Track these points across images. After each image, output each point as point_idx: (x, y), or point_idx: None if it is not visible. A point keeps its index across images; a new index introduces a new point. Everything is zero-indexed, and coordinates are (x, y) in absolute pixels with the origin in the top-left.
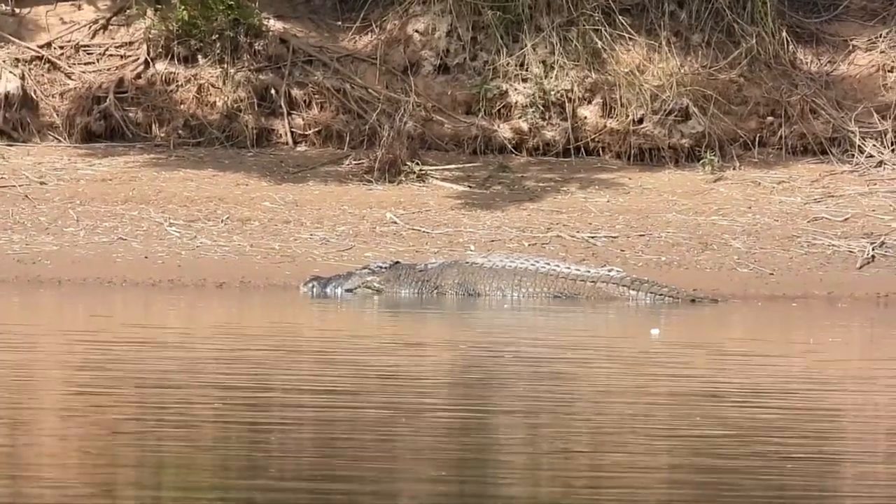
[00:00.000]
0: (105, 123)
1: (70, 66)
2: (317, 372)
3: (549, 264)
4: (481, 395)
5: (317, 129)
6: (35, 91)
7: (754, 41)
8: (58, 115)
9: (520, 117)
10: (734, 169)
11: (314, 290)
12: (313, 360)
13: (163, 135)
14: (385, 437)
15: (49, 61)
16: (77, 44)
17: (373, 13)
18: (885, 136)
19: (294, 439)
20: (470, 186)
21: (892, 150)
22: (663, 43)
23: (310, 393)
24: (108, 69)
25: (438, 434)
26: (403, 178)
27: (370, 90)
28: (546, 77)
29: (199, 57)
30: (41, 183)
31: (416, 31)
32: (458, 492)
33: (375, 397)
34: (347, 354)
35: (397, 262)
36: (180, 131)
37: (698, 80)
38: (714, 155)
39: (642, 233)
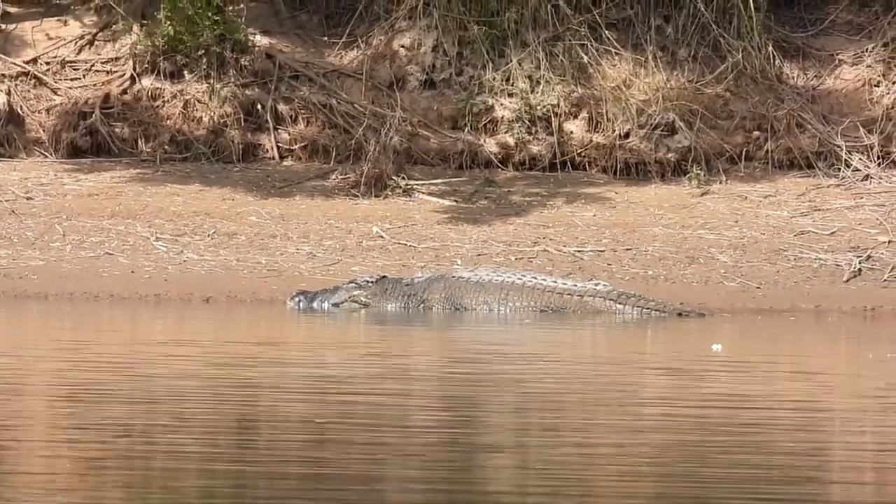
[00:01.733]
0: (91, 139)
1: (56, 82)
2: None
3: (535, 278)
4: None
5: (303, 144)
6: (21, 107)
7: (740, 56)
8: (44, 130)
9: (506, 132)
10: (721, 183)
11: (301, 304)
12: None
13: (149, 150)
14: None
15: (35, 77)
16: (63, 59)
17: (359, 28)
18: (872, 150)
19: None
20: (456, 201)
21: (879, 164)
22: (649, 57)
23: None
24: (95, 85)
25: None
26: (390, 193)
27: (356, 105)
28: (532, 92)
29: (186, 72)
30: (28, 198)
31: (402, 46)
32: None
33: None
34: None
35: (384, 277)
36: (166, 146)
37: (684, 94)
38: (700, 169)
39: (629, 247)
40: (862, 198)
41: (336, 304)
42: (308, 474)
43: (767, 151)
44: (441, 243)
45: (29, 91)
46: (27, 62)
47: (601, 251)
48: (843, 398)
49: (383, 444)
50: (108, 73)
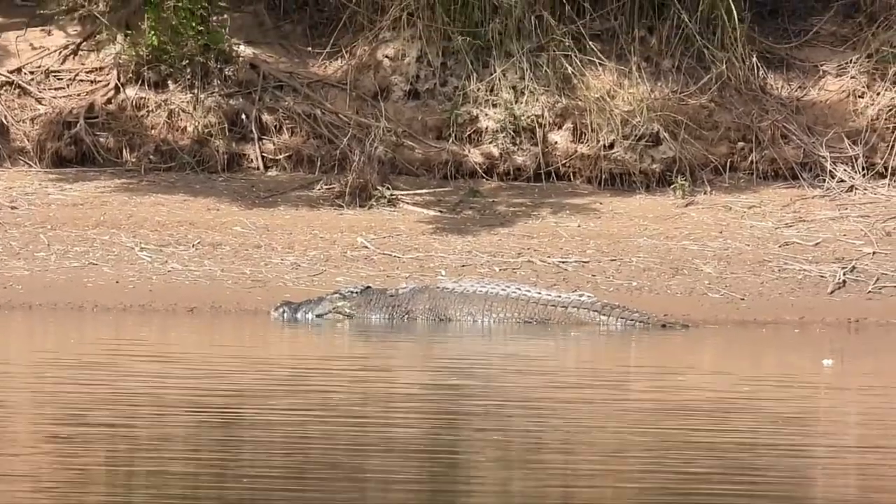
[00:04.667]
0: (76, 148)
1: (40, 92)
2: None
3: (519, 289)
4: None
5: (287, 154)
6: (5, 116)
7: (724, 67)
8: (28, 140)
9: (490, 142)
10: (705, 194)
11: (285, 315)
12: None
13: (134, 160)
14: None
15: (19, 87)
16: (47, 69)
17: (343, 39)
18: (856, 161)
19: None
20: (441, 211)
21: (863, 175)
22: (633, 68)
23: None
24: (79, 94)
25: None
26: (374, 203)
27: (340, 115)
28: (516, 102)
29: (170, 82)
30: (12, 208)
31: (387, 56)
32: None
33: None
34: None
35: (368, 287)
36: (151, 156)
37: (669, 105)
38: (685, 180)
39: (613, 258)
40: (846, 209)
41: (320, 315)
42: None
43: (752, 162)
44: (426, 254)
45: (13, 101)
46: (11, 72)
47: (585, 262)
48: None
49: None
50: (92, 82)
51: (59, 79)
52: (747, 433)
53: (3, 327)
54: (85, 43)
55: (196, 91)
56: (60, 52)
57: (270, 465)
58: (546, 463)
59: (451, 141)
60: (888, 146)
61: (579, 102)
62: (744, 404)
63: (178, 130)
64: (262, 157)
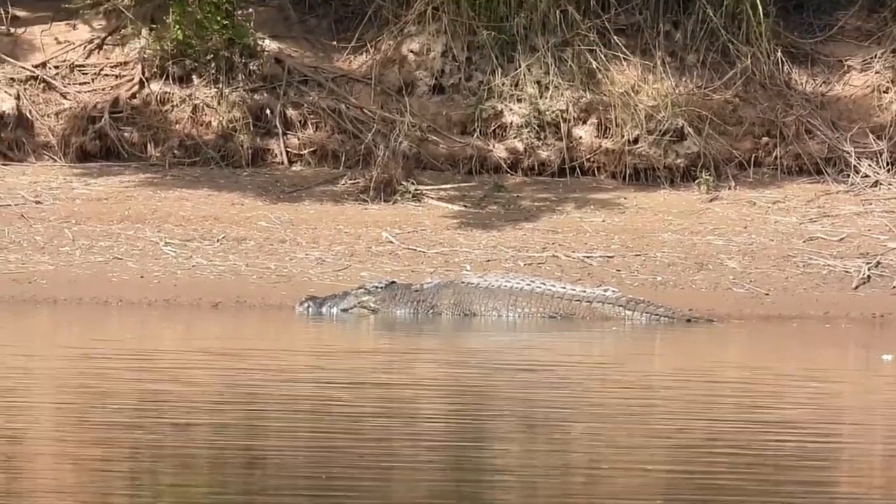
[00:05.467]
0: (100, 143)
1: (65, 86)
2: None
3: (544, 284)
4: None
5: (312, 149)
6: (30, 111)
7: (749, 62)
8: (53, 134)
9: (515, 137)
10: (729, 189)
11: (310, 310)
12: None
13: (158, 154)
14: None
15: (44, 81)
16: (72, 63)
17: (368, 33)
18: (881, 155)
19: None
20: (465, 206)
21: (888, 170)
22: (658, 63)
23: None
24: (104, 89)
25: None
26: (399, 198)
27: (365, 110)
28: (541, 97)
29: (194, 77)
30: (37, 202)
31: (411, 51)
32: None
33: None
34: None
35: (393, 282)
36: (175, 151)
37: (693, 100)
38: (709, 175)
39: (638, 252)
40: (871, 204)
41: (345, 310)
42: None
43: (776, 157)
44: (450, 249)
45: (38, 95)
46: (36, 66)
47: (610, 257)
48: None
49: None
50: (117, 77)
51: (83, 73)
52: None
53: (70, 320)
54: (110, 37)
55: (221, 86)
56: (85, 47)
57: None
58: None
59: (475, 136)
60: None
61: (604, 97)
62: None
63: (202, 125)
64: (287, 151)
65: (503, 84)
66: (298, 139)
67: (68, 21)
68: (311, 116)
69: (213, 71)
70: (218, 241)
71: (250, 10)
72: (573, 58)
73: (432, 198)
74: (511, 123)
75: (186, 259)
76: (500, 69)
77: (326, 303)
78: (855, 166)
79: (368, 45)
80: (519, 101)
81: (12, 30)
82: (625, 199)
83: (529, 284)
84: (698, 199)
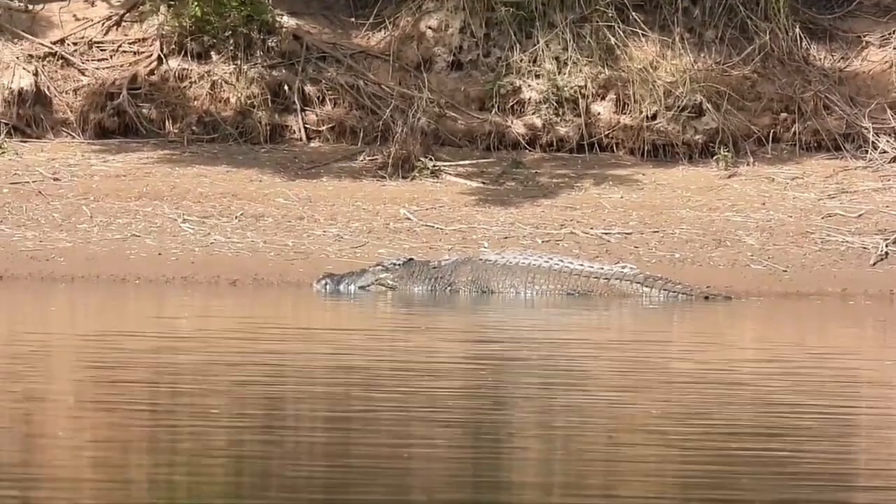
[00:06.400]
0: (118, 120)
1: (83, 63)
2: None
3: (562, 261)
4: None
5: (330, 126)
6: (48, 87)
7: (767, 37)
8: (71, 111)
9: (533, 113)
10: (748, 165)
11: (328, 287)
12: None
13: (176, 131)
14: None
15: (62, 58)
16: (90, 40)
17: (386, 10)
18: None
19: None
20: (483, 182)
21: None
22: (676, 39)
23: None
24: (122, 65)
25: None
26: (417, 174)
27: (383, 86)
28: (559, 73)
29: (213, 53)
30: (55, 179)
31: (429, 27)
32: None
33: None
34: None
35: (411, 259)
36: (194, 127)
37: (712, 76)
38: (728, 151)
39: (656, 229)
40: (889, 180)
41: (363, 287)
42: None
43: (795, 133)
44: (468, 225)
45: (56, 72)
46: (54, 43)
47: (628, 234)
48: None
49: None
50: (135, 53)
51: (102, 50)
52: None
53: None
54: (128, 14)
55: (239, 62)
56: (103, 24)
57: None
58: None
59: (493, 112)
60: None
61: (622, 73)
62: None
63: (220, 102)
64: (305, 128)
65: (521, 60)
66: (317, 116)
67: None
68: (330, 93)
69: (231, 47)
70: (236, 217)
71: None
72: (591, 34)
73: (450, 174)
74: (529, 99)
75: (204, 236)
76: (518, 45)
77: (344, 280)
78: (873, 142)
79: (387, 22)
80: (537, 77)
81: (31, 7)
82: (643, 175)
83: (547, 261)
84: (716, 175)
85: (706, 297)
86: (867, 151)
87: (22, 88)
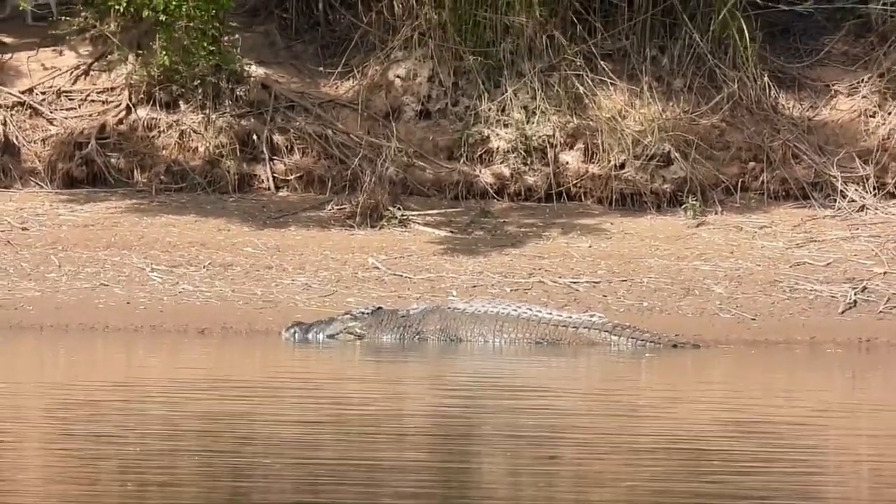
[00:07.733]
0: (87, 169)
1: (52, 112)
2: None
3: (530, 310)
4: None
5: (298, 175)
6: (17, 137)
7: (736, 86)
8: (39, 160)
9: (501, 162)
10: (716, 214)
11: (296, 336)
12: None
13: (145, 180)
14: None
15: (31, 107)
16: (59, 90)
17: (354, 59)
18: (867, 180)
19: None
20: (452, 232)
21: (874, 195)
22: (645, 88)
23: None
24: (90, 115)
25: None
26: (385, 224)
27: (352, 135)
28: (527, 122)
29: (181, 103)
30: (23, 228)
31: (398, 76)
32: None
33: None
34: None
35: (379, 308)
36: (162, 177)
37: (680, 125)
38: (696, 200)
39: (624, 278)
40: (858, 229)
41: (331, 336)
42: None
43: (763, 182)
44: (436, 274)
45: (24, 121)
46: (23, 92)
47: (597, 282)
48: None
49: None
50: (103, 103)
51: (70, 99)
52: None
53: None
54: (96, 63)
55: (207, 111)
56: (72, 73)
57: None
58: None
59: (462, 161)
60: None
61: (590, 122)
62: None
63: (189, 151)
64: (273, 177)
65: (490, 109)
66: (285, 165)
67: (55, 47)
68: (298, 142)
69: (199, 97)
70: (204, 267)
71: (237, 35)
72: (560, 83)
73: (419, 223)
74: (497, 149)
75: (173, 285)
76: (486, 94)
77: (313, 329)
78: (842, 191)
79: (355, 71)
80: (505, 126)
81: None
82: (611, 224)
83: (516, 310)
84: (685, 224)
85: (674, 346)
86: (835, 200)
87: None
